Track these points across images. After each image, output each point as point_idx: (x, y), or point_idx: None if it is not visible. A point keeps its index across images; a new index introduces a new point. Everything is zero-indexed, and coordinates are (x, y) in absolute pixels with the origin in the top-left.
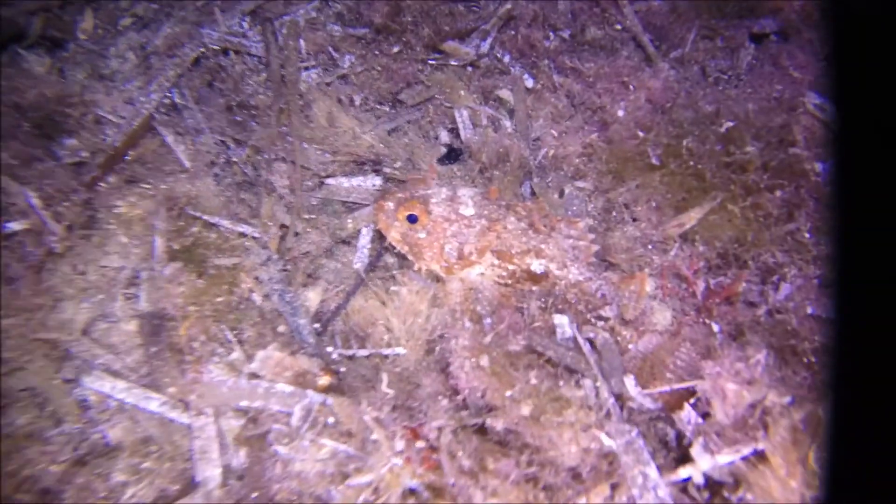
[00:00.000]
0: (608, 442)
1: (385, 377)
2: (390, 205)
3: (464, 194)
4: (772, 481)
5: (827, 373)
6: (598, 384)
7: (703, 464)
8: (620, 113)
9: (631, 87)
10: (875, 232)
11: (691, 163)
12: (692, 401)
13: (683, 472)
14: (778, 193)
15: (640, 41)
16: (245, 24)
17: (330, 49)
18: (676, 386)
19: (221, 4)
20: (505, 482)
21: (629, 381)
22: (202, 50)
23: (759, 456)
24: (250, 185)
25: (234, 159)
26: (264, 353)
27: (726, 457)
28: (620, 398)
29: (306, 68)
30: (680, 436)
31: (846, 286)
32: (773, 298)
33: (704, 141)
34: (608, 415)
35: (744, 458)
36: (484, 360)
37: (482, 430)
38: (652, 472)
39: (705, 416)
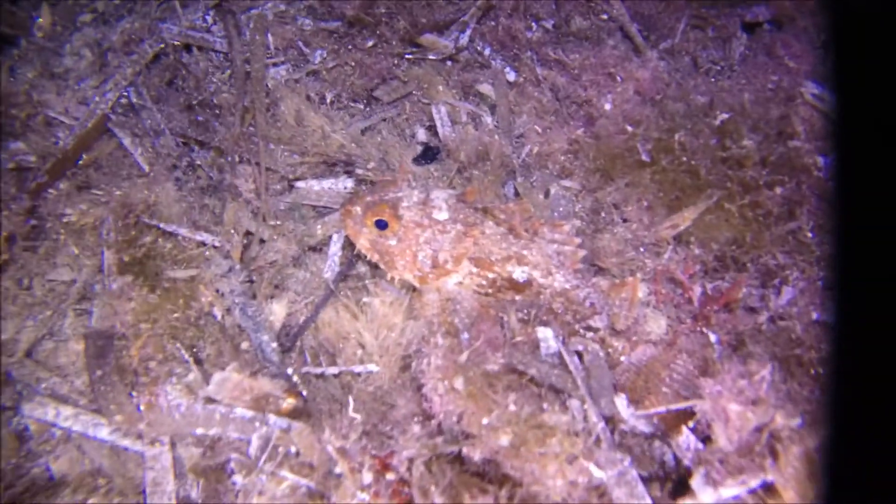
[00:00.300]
0: (598, 473)
1: (352, 401)
2: (358, 209)
3: (437, 197)
4: None
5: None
6: (585, 406)
7: (705, 497)
8: (607, 106)
9: (618, 78)
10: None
11: (684, 159)
12: (691, 424)
13: None
14: (778, 190)
15: (627, 31)
16: (209, 19)
17: (300, 44)
18: (673, 407)
19: None
20: None
21: (620, 402)
22: (162, 46)
23: (769, 489)
24: (214, 190)
25: (198, 162)
26: (221, 375)
27: (731, 490)
28: (611, 420)
29: (274, 64)
30: (679, 457)
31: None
32: (775, 303)
33: (698, 135)
34: (597, 441)
35: (751, 492)
36: (458, 382)
37: (458, 459)
38: None
39: (706, 440)
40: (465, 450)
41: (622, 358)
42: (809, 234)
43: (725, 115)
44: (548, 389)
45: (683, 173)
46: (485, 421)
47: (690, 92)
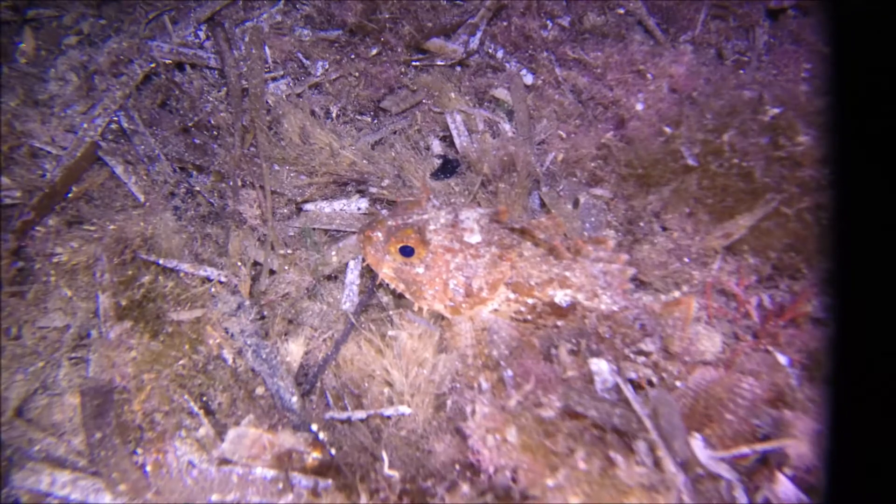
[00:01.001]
0: None
1: (386, 457)
2: (379, 235)
3: (468, 218)
4: None
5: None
6: (659, 453)
7: None
8: (639, 106)
9: (649, 75)
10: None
11: (735, 160)
12: (789, 472)
13: None
14: None
15: (645, 25)
16: (201, 34)
17: (300, 56)
18: (759, 448)
19: (173, 14)
20: None
21: (696, 444)
22: (152, 66)
23: None
24: (217, 218)
25: (197, 188)
26: (236, 431)
27: None
28: (688, 466)
29: (273, 79)
30: (752, 492)
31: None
32: None
33: (747, 134)
34: (680, 497)
35: None
36: (511, 434)
37: None
38: None
39: (809, 491)
40: None
41: (678, 383)
42: None
43: (777, 110)
44: (611, 432)
45: (735, 177)
46: (550, 483)
47: (731, 86)
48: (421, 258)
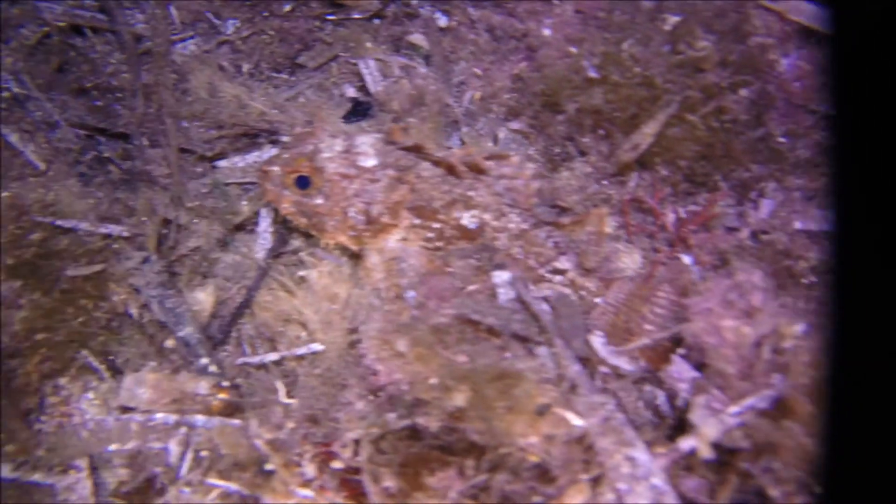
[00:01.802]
0: (578, 422)
1: (280, 385)
2: (276, 169)
3: (362, 142)
4: (801, 438)
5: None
6: (556, 349)
7: (709, 429)
8: (547, 32)
9: (555, 1)
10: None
11: (637, 69)
12: (682, 350)
13: (684, 444)
14: (743, 93)
15: None
16: None
17: (209, 15)
18: (657, 336)
19: None
20: (446, 499)
21: (597, 340)
22: (45, 29)
23: (782, 405)
24: (127, 182)
25: (106, 155)
26: (133, 377)
27: (737, 416)
28: (589, 363)
29: (181, 40)
30: (672, 397)
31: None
32: (755, 217)
33: (647, 43)
34: (574, 387)
35: (761, 413)
36: (401, 344)
37: (415, 434)
38: (641, 454)
39: (701, 367)
40: (419, 421)
41: (597, 300)
42: (782, 139)
43: (676, 18)
44: (511, 339)
45: (638, 86)
46: (432, 381)
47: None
48: (318, 188)
